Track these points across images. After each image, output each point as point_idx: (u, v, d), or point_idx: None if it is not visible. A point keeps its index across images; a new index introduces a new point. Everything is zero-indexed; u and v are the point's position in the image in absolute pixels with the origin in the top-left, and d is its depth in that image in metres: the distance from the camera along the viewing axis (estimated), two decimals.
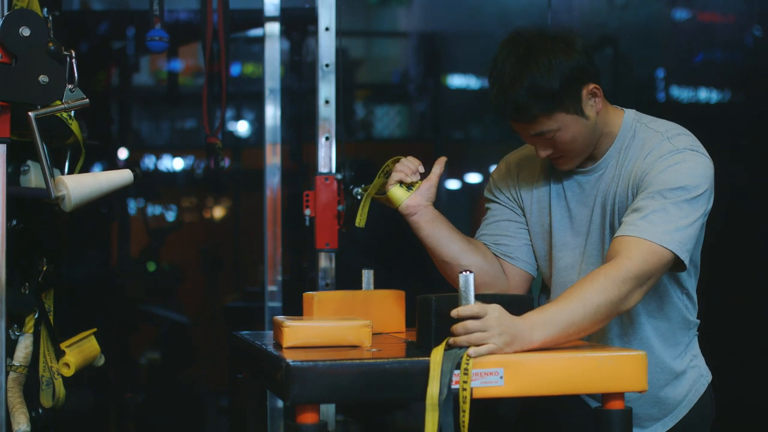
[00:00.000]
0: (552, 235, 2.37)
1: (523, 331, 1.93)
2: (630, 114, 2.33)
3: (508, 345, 1.91)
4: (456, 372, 1.87)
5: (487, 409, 2.36)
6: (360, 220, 2.45)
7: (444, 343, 1.92)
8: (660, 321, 2.31)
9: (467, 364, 1.86)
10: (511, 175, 2.46)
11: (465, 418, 1.83)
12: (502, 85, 2.17)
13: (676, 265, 2.14)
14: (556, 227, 2.36)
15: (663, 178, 2.16)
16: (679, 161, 2.18)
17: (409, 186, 2.34)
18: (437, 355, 1.87)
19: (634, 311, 2.27)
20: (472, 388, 1.86)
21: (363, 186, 2.52)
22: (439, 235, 2.34)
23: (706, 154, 2.22)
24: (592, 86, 2.21)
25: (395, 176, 2.33)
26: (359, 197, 2.50)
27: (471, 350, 1.88)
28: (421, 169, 2.35)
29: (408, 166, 2.33)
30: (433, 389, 1.83)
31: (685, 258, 2.12)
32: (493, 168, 2.54)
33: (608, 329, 2.30)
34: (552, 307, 2.00)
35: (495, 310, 1.92)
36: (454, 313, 1.92)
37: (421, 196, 2.32)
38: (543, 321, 1.96)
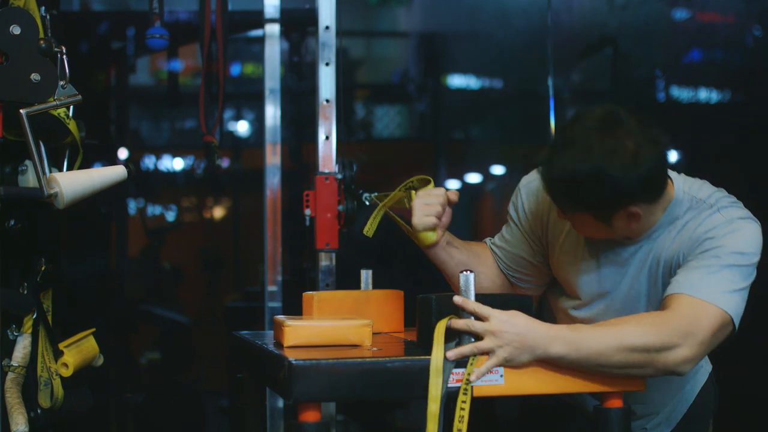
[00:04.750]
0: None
1: (540, 342, 1.91)
2: (679, 184, 2.16)
3: (517, 356, 1.89)
4: (456, 371, 1.88)
5: (486, 408, 2.36)
6: (369, 230, 2.38)
7: (447, 318, 1.93)
8: None
9: (469, 377, 1.87)
10: (542, 208, 2.31)
11: (463, 426, 1.84)
12: (554, 161, 2.02)
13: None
14: (582, 281, 2.25)
15: (718, 242, 2.05)
16: (734, 229, 2.07)
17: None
18: (441, 325, 1.90)
19: None
20: (473, 393, 1.87)
21: (376, 194, 2.47)
22: (453, 259, 2.30)
23: (756, 220, 2.12)
24: (633, 209, 2.04)
25: (427, 221, 2.23)
26: (367, 202, 2.47)
27: (473, 375, 1.88)
28: (443, 200, 2.25)
29: (437, 209, 2.23)
30: (438, 355, 1.86)
31: (737, 323, 2.03)
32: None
33: None
34: (586, 330, 1.94)
35: (511, 315, 1.91)
36: (457, 299, 1.92)
37: (442, 231, 2.28)
38: (570, 339, 1.92)
